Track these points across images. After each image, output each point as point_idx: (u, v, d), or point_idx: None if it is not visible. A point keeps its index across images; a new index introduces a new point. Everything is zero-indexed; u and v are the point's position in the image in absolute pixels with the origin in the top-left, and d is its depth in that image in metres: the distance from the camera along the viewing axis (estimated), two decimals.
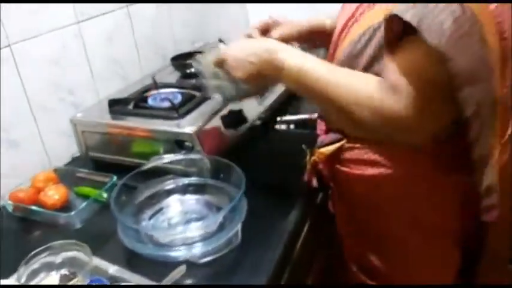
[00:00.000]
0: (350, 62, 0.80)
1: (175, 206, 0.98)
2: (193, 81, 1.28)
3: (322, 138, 0.91)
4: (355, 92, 0.74)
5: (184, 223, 0.93)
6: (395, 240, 0.87)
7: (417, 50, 0.68)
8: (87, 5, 1.25)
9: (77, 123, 1.15)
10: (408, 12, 0.66)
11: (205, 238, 0.82)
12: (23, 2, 1.08)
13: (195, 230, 0.83)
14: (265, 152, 1.20)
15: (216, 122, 1.10)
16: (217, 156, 1.01)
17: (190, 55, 1.39)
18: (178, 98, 1.18)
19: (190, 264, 0.81)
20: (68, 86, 1.23)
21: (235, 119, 1.13)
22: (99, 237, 0.94)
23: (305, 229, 1.01)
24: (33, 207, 0.99)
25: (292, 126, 1.34)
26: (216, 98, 1.12)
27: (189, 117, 1.09)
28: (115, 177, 1.05)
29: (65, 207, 1.02)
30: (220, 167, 0.97)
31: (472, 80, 0.66)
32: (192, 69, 1.30)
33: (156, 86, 1.27)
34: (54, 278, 0.81)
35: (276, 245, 0.86)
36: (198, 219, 0.93)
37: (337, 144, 0.86)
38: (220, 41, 1.38)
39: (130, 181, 0.96)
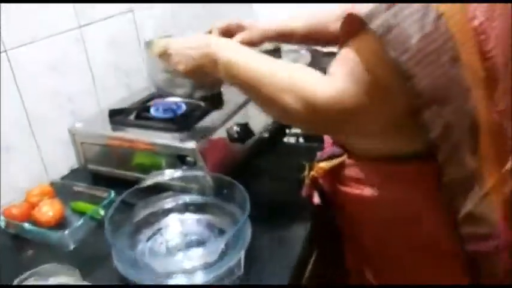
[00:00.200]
0: None
1: (175, 226, 0.92)
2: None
3: (322, 152, 0.87)
4: (282, 79, 0.72)
5: (183, 246, 0.87)
6: (392, 260, 0.83)
7: (369, 45, 0.63)
8: (89, 9, 1.20)
9: (76, 134, 1.10)
10: (376, 20, 0.61)
11: (206, 267, 0.76)
12: (23, 2, 1.03)
13: (195, 258, 0.77)
14: (272, 167, 1.13)
15: (221, 135, 1.04)
16: (221, 171, 0.95)
17: None
18: (183, 108, 1.12)
19: None
20: (67, 94, 1.18)
21: (241, 132, 1.07)
22: (93, 259, 0.88)
23: (313, 256, 0.94)
24: (25, 225, 0.93)
25: (301, 139, 1.28)
26: (222, 109, 1.08)
27: (192, 130, 1.03)
28: (113, 193, 0.99)
29: (60, 224, 0.97)
30: (223, 185, 0.91)
31: (439, 100, 0.63)
32: None
33: (160, 94, 1.21)
34: None
35: (282, 275, 0.80)
36: (198, 243, 0.87)
37: (337, 160, 0.83)
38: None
39: (129, 198, 0.91)
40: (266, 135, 1.18)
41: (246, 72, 0.76)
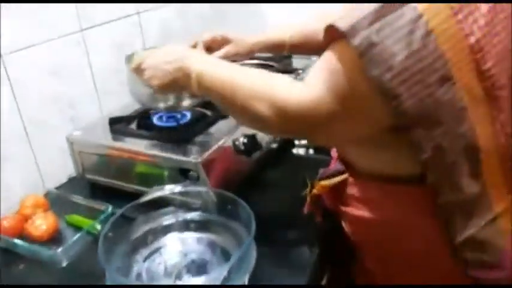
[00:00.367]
0: None
1: (174, 245, 0.86)
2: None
3: (325, 169, 0.85)
4: (253, 87, 0.69)
5: (183, 267, 0.81)
6: (395, 279, 0.79)
7: (351, 56, 0.59)
8: (92, 12, 1.14)
9: (74, 142, 1.04)
10: (357, 36, 0.57)
11: None
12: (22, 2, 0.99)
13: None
14: (279, 181, 1.07)
15: (227, 147, 0.98)
16: (225, 186, 0.90)
17: None
18: (187, 117, 1.06)
19: None
20: (67, 100, 1.12)
21: (248, 144, 1.01)
22: (87, 276, 0.83)
23: (324, 279, 0.88)
24: (16, 241, 0.88)
25: (311, 150, 1.21)
26: (229, 118, 1.03)
27: (196, 141, 0.97)
28: (110, 208, 0.93)
29: (54, 238, 0.92)
30: (226, 201, 0.84)
31: (427, 122, 0.59)
32: None
33: None
34: None
35: None
36: (199, 265, 0.81)
37: (338, 178, 0.80)
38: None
39: (127, 213, 0.85)
40: (274, 146, 1.12)
41: (218, 83, 0.74)
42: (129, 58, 0.97)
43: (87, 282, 0.82)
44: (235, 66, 0.77)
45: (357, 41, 0.57)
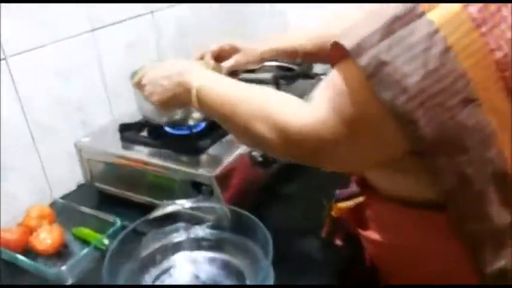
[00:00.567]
0: None
1: (186, 265, 0.81)
2: None
3: (341, 191, 0.79)
4: (255, 106, 0.65)
5: None
6: None
7: (359, 75, 0.52)
8: (104, 11, 1.09)
9: (82, 150, 0.99)
10: (365, 55, 0.51)
11: None
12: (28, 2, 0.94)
13: None
14: (298, 196, 1.00)
15: (243, 157, 0.92)
16: (241, 200, 0.85)
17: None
18: (201, 125, 1.00)
19: None
20: (76, 103, 1.08)
21: (266, 155, 0.95)
22: None
23: None
24: (19, 256, 0.83)
25: None
26: None
27: (211, 152, 0.92)
28: (119, 222, 0.88)
29: (59, 252, 0.87)
30: (242, 219, 0.79)
31: (449, 149, 0.53)
32: None
33: None
34: None
35: None
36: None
37: (356, 200, 0.74)
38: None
39: (136, 228, 0.80)
40: None
41: (219, 101, 0.70)
42: (133, 74, 0.92)
43: None
44: (237, 83, 0.72)
45: (364, 60, 0.51)
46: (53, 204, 0.96)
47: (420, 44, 0.50)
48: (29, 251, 0.86)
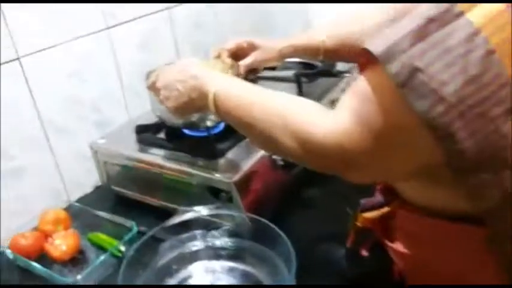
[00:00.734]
0: None
1: (204, 275, 0.77)
2: None
3: (367, 200, 0.74)
4: (275, 114, 0.60)
5: None
6: None
7: (389, 83, 0.47)
8: (119, 9, 1.05)
9: (98, 151, 0.97)
10: (395, 61, 0.46)
11: None
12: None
13: None
14: (320, 201, 0.96)
15: (263, 160, 0.88)
16: (261, 205, 0.82)
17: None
18: (220, 126, 0.96)
19: None
20: (91, 102, 1.05)
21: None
22: None
23: None
24: (33, 263, 0.81)
25: None
26: None
27: (230, 156, 0.88)
28: (135, 228, 0.85)
29: (75, 258, 0.85)
30: (263, 229, 0.75)
31: (492, 164, 0.47)
32: None
33: None
34: None
35: None
36: None
37: (382, 210, 0.70)
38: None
39: (152, 237, 0.77)
40: None
41: (237, 108, 0.66)
42: (149, 74, 0.88)
43: None
44: (255, 88, 0.68)
45: (395, 67, 0.46)
46: (68, 208, 0.94)
47: (459, 48, 0.45)
48: (43, 257, 0.84)
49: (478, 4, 0.46)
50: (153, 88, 0.81)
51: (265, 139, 0.62)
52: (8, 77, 0.87)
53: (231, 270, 0.78)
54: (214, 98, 0.68)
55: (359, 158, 0.53)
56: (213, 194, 0.83)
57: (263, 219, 0.75)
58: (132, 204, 0.96)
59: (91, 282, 0.80)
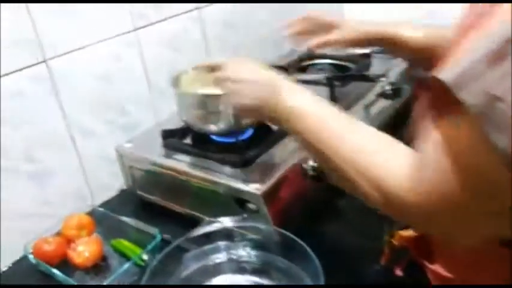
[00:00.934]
0: None
1: None
2: None
3: None
4: (354, 153, 0.54)
5: None
6: None
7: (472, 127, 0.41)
8: (147, 10, 1.03)
9: (124, 156, 0.95)
10: (471, 87, 0.39)
11: None
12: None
13: None
14: (354, 214, 0.91)
15: (293, 170, 0.83)
16: (290, 217, 0.79)
17: (281, 68, 1.05)
18: (249, 132, 0.93)
19: None
20: (118, 105, 1.03)
21: (320, 167, 0.86)
22: None
23: None
24: (55, 271, 0.79)
25: None
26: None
27: (259, 164, 0.84)
28: (159, 236, 0.83)
29: (97, 265, 0.83)
30: (291, 245, 0.71)
31: None
32: None
33: None
34: None
35: None
36: None
37: None
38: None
39: (174, 249, 0.74)
40: None
41: (313, 132, 0.59)
42: (175, 80, 0.84)
43: None
44: (340, 114, 0.61)
45: (470, 97, 0.40)
46: (92, 213, 0.92)
47: None
48: (66, 263, 0.83)
49: None
50: (218, 79, 0.74)
51: (342, 175, 0.57)
52: (34, 79, 0.86)
53: (256, 285, 0.74)
54: (289, 114, 0.62)
55: (455, 216, 0.46)
56: (240, 203, 0.80)
57: (291, 235, 0.71)
58: (156, 210, 0.94)
59: None
